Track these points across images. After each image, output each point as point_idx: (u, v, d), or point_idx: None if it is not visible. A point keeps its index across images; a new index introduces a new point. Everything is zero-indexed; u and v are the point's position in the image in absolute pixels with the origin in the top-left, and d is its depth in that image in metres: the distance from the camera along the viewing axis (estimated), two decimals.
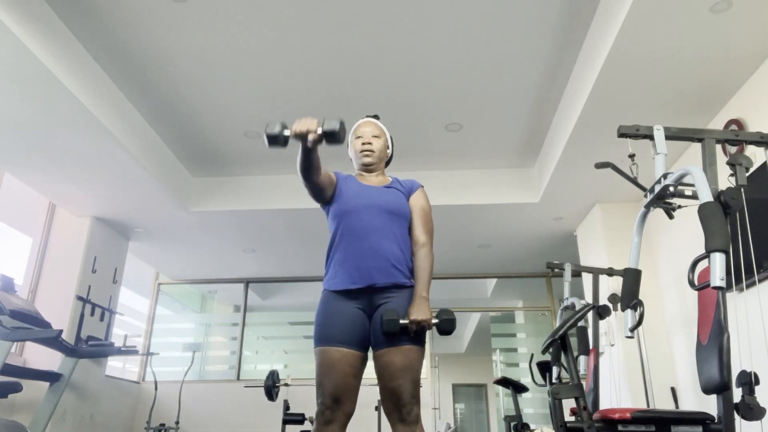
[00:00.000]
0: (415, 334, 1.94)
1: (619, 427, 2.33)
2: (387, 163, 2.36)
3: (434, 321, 1.93)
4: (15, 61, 3.26)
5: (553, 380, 3.61)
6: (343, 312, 2.00)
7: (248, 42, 3.70)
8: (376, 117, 2.36)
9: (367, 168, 2.26)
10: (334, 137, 1.73)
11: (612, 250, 5.08)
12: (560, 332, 2.40)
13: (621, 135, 2.35)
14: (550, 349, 2.57)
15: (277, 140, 1.72)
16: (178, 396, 6.28)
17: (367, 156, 2.23)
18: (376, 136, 2.26)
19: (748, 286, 3.37)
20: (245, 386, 6.49)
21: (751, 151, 3.31)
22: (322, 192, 2.11)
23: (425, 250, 2.10)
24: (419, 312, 1.90)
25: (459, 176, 5.43)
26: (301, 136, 1.76)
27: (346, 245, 2.07)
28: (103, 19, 3.52)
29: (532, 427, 4.39)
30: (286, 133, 1.74)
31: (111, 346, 4.65)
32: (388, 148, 2.33)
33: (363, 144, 2.24)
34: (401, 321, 1.88)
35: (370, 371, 2.04)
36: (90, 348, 4.49)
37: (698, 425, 2.24)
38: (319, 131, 1.73)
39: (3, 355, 3.49)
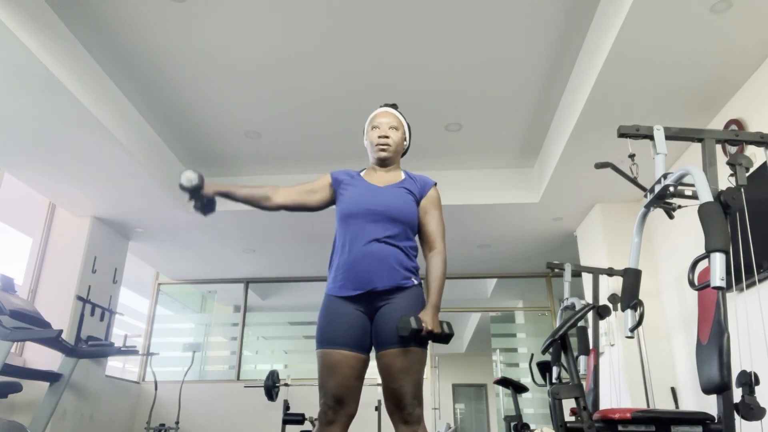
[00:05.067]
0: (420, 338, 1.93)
1: (619, 427, 2.33)
2: (403, 154, 2.25)
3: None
4: (15, 61, 3.26)
5: (553, 380, 3.62)
6: (344, 315, 1.99)
7: (248, 42, 3.70)
8: (394, 106, 2.25)
9: (381, 163, 2.18)
10: (186, 190, 2.02)
11: (612, 250, 5.08)
12: (560, 332, 2.41)
13: (621, 135, 2.35)
14: (550, 349, 2.57)
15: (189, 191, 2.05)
16: (178, 396, 6.28)
17: (382, 151, 2.14)
18: (393, 128, 2.17)
19: (748, 286, 3.37)
20: (245, 386, 6.49)
21: (751, 151, 3.31)
22: (302, 208, 2.17)
23: (440, 258, 2.05)
24: (432, 321, 1.90)
25: (459, 176, 5.43)
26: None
27: (347, 250, 2.03)
28: (103, 18, 3.52)
29: (532, 427, 4.39)
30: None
31: (111, 346, 4.65)
32: (405, 140, 2.22)
33: (379, 137, 2.14)
34: (414, 327, 1.89)
35: (370, 371, 2.04)
36: (90, 348, 4.49)
37: (698, 425, 2.24)
38: (182, 183, 2.02)
39: (3, 355, 3.49)
